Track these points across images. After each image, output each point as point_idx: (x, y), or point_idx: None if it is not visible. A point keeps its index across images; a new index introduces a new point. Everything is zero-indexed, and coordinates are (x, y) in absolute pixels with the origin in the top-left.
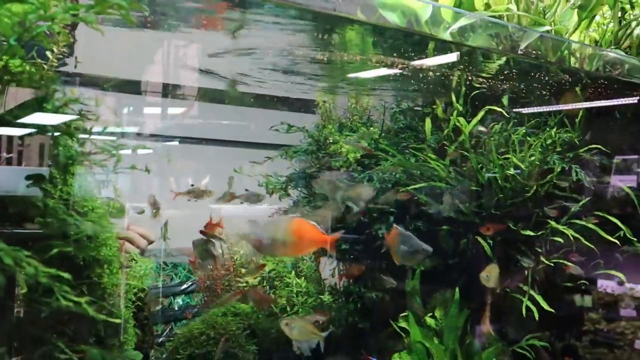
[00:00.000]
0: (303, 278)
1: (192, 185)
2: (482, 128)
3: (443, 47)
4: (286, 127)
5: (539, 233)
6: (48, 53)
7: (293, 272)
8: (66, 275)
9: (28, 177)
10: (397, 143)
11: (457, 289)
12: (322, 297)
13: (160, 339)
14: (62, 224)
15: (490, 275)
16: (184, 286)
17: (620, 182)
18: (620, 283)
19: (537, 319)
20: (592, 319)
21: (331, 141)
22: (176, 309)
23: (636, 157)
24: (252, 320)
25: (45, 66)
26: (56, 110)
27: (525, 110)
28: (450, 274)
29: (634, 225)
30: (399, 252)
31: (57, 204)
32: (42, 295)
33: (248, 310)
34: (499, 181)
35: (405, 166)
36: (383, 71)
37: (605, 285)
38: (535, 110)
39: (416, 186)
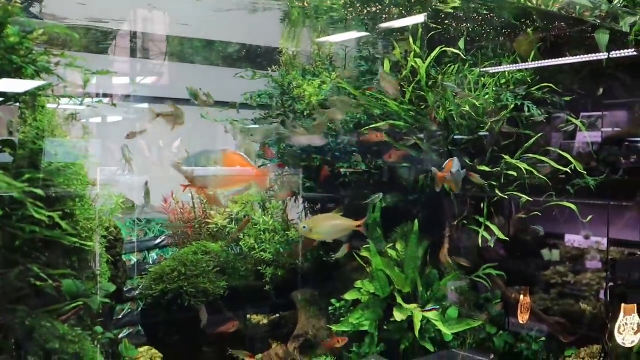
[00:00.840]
0: (270, 217)
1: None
2: (449, 83)
3: None
4: (251, 75)
5: (494, 169)
6: None
7: (260, 211)
8: (39, 191)
9: None
10: (358, 87)
11: (416, 222)
12: (288, 233)
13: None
14: (32, 154)
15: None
16: (158, 240)
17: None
18: (587, 237)
19: (493, 247)
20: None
21: (295, 85)
22: (151, 263)
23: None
24: (221, 258)
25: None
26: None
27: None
28: (410, 209)
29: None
30: (456, 178)
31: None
32: (17, 220)
33: (218, 249)
34: (455, 119)
35: (366, 106)
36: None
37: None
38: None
39: (376, 125)
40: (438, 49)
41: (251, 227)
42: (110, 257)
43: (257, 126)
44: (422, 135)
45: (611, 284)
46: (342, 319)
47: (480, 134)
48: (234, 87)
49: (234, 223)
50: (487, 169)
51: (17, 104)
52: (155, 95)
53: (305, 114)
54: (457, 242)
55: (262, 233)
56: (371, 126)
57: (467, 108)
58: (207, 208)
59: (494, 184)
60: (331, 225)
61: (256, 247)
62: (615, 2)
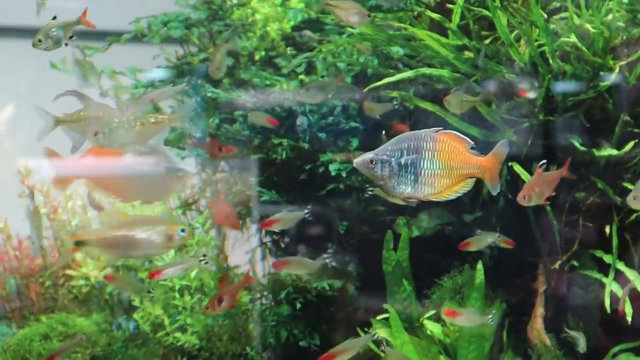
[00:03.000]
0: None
1: None
2: None
3: None
4: None
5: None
6: None
7: (172, 251)
8: None
9: None
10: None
11: (479, 266)
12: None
13: None
14: None
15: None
16: None
17: None
18: None
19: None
20: None
21: (235, 3)
22: None
23: None
24: (98, 347)
25: None
26: None
27: None
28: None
29: None
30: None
31: None
32: None
33: (91, 328)
34: (551, 59)
35: (375, 41)
36: None
37: None
38: None
39: (394, 78)
40: None
41: (155, 283)
42: None
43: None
44: (485, 94)
45: None
46: None
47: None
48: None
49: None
50: (614, 152)
51: None
52: None
53: (256, 57)
54: (559, 302)
55: (177, 295)
56: (387, 79)
57: (574, 38)
58: (64, 247)
59: (629, 185)
60: None
61: (166, 322)
62: None
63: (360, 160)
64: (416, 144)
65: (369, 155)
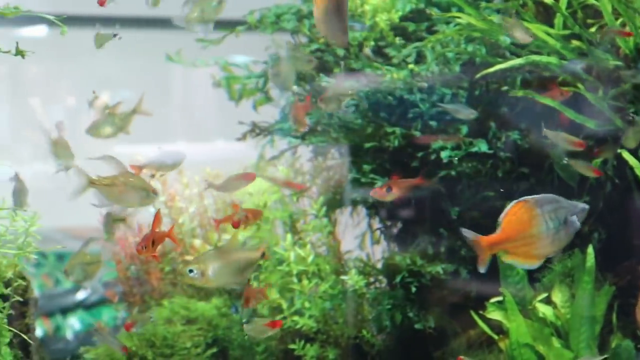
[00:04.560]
0: (309, 247)
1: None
2: None
3: None
4: None
5: None
6: None
7: (288, 237)
8: None
9: None
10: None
11: (589, 250)
12: (344, 278)
13: None
14: None
15: None
16: (81, 295)
17: None
18: None
19: None
20: None
21: None
22: (69, 338)
23: None
24: (219, 330)
25: None
26: None
27: None
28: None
29: None
30: None
31: None
32: None
33: (211, 312)
34: None
35: (483, 31)
36: None
37: None
38: None
39: (504, 65)
40: None
41: (272, 268)
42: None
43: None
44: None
45: None
46: None
47: None
48: None
49: None
50: None
51: None
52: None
53: (365, 47)
54: None
55: (294, 280)
56: (497, 66)
57: None
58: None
59: None
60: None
61: (284, 306)
62: None
63: None
64: None
65: None
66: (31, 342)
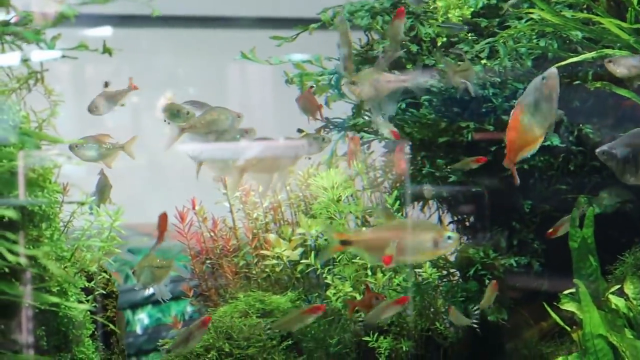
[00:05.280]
0: None
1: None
2: None
3: None
4: None
5: None
6: None
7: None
8: None
9: None
10: None
11: None
12: (419, 271)
13: None
14: None
15: None
16: (149, 290)
17: None
18: None
19: None
20: None
21: None
22: (139, 332)
23: None
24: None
25: None
26: None
27: None
28: None
29: None
30: None
31: None
32: None
33: (287, 305)
34: None
35: (555, 26)
36: None
37: None
38: None
39: (578, 58)
40: None
41: (345, 261)
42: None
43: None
44: None
45: None
46: None
47: None
48: None
49: (313, 256)
50: None
51: None
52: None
53: (438, 43)
54: None
55: (369, 273)
56: (570, 59)
57: None
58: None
59: None
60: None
61: (358, 298)
62: None
63: (597, 150)
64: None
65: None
66: (116, 332)
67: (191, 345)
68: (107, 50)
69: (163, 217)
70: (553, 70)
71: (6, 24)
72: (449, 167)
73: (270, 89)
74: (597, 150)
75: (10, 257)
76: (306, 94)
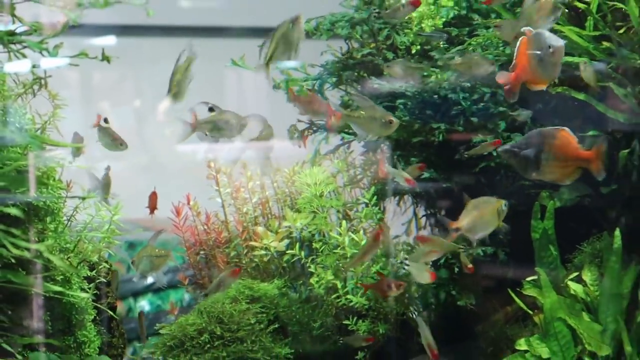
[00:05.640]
0: (362, 233)
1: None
2: None
3: None
4: None
5: None
6: None
7: (343, 223)
8: None
9: None
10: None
11: (617, 233)
12: (393, 260)
13: None
14: None
15: None
16: (149, 279)
17: None
18: None
19: None
20: None
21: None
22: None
23: None
24: (280, 308)
25: None
26: None
27: None
28: (605, 211)
29: None
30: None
31: None
32: None
33: (273, 292)
34: None
35: None
36: None
37: None
38: None
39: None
40: None
41: (327, 251)
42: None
43: None
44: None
45: None
46: None
47: None
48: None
49: (298, 246)
50: None
51: None
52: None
53: (413, 51)
54: None
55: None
56: None
57: None
58: (249, 222)
59: None
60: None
61: (339, 286)
62: None
63: (500, 149)
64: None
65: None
66: (115, 318)
67: (221, 291)
68: (105, 58)
69: (153, 195)
70: (560, 44)
71: (12, 33)
72: (466, 153)
73: (263, 94)
74: (500, 149)
75: (14, 250)
76: (312, 97)
